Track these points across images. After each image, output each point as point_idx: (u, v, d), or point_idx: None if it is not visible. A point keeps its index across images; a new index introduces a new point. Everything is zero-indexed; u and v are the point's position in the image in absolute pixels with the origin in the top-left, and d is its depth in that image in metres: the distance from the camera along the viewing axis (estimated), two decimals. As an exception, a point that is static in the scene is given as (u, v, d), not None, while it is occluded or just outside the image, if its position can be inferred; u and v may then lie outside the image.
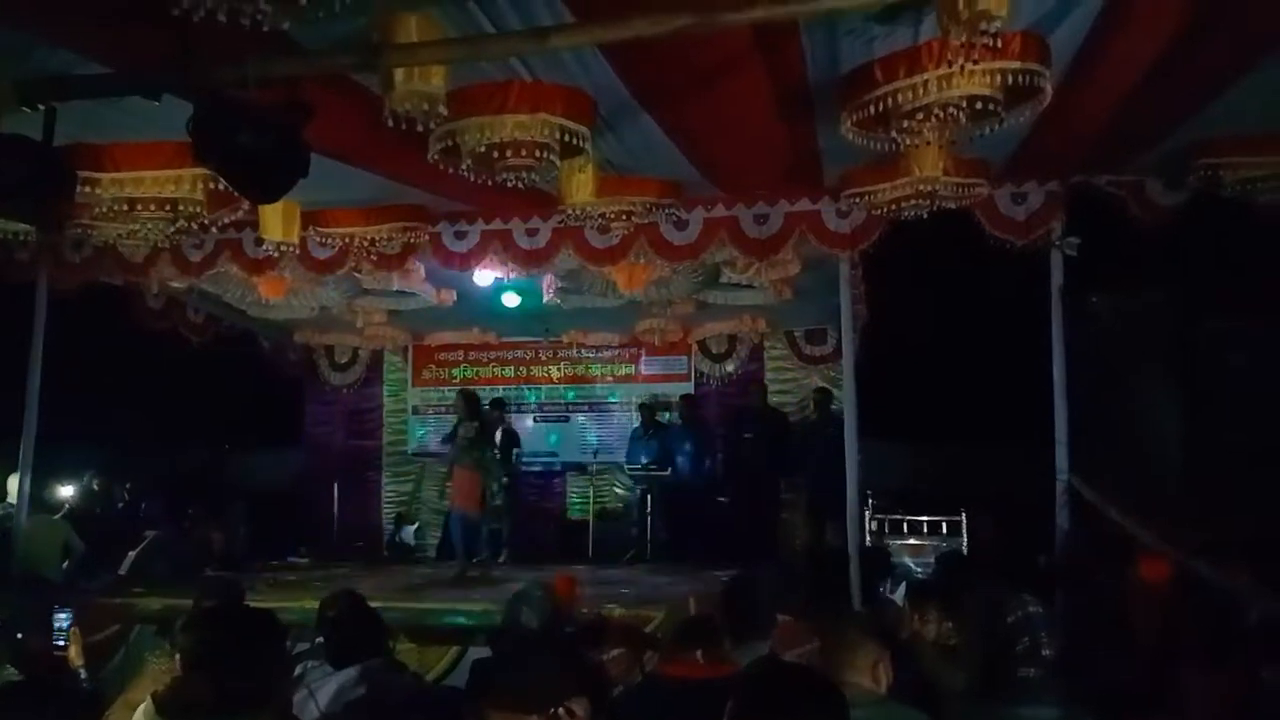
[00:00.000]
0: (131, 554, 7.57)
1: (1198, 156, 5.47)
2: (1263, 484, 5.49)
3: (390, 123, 3.73)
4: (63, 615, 5.74)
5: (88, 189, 4.75)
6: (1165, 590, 5.28)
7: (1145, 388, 6.14)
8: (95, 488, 8.74)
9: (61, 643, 4.44)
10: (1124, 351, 6.21)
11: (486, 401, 10.16)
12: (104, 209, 5.12)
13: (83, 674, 4.06)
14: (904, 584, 6.02)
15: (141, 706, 3.04)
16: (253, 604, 4.54)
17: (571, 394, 10.81)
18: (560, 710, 2.13)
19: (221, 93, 3.14)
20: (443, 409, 10.26)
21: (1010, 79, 3.92)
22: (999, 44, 3.58)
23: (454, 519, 8.40)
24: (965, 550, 7.94)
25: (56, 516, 7.78)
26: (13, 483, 7.22)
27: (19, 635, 4.02)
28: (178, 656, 3.10)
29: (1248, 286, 6.02)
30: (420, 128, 3.89)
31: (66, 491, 8.55)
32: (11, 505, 7.21)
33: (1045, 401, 6.37)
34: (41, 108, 3.46)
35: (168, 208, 5.03)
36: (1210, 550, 5.07)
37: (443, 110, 3.76)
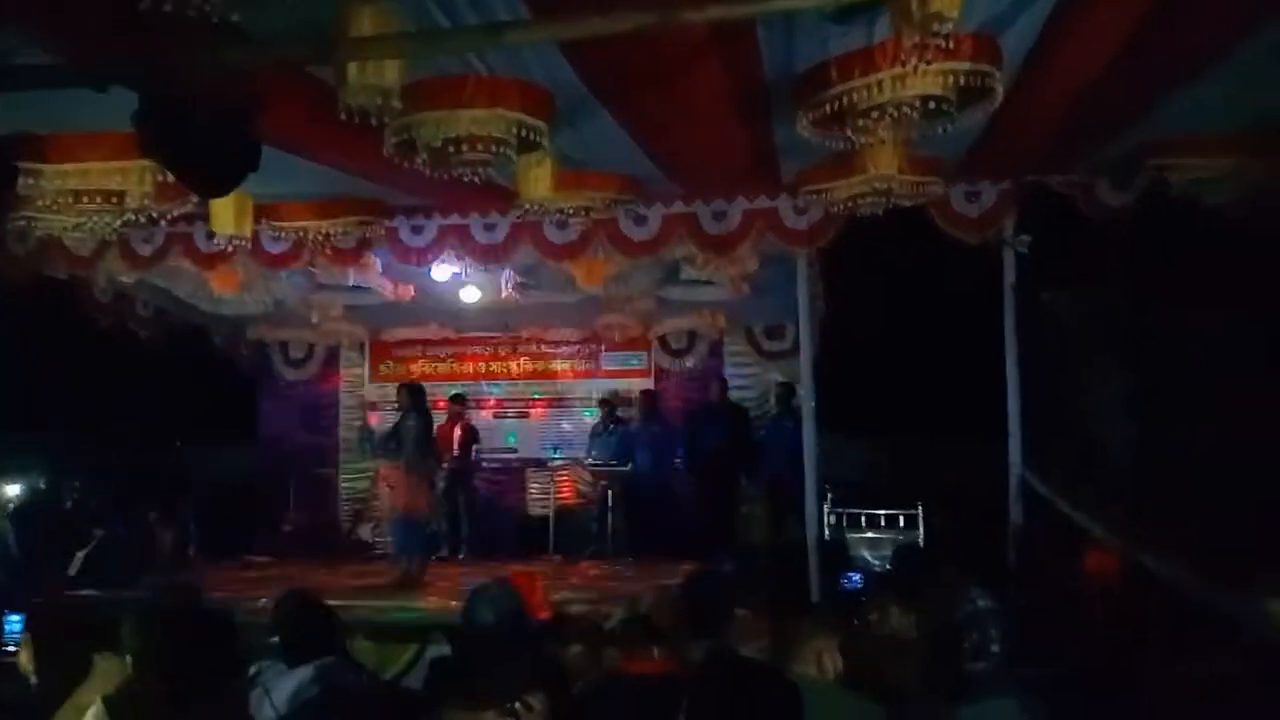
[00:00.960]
0: (80, 554, 7.42)
1: (1146, 158, 5.60)
2: (1214, 477, 5.62)
3: (344, 116, 3.68)
4: (14, 619, 5.60)
5: (30, 180, 4.64)
6: (1114, 583, 5.39)
7: (1097, 382, 6.26)
8: (43, 485, 8.54)
9: (11, 648, 4.33)
10: (1076, 346, 6.33)
11: (448, 396, 10.12)
12: (48, 201, 4.99)
13: (32, 679, 3.97)
14: (859, 575, 6.09)
15: (91, 709, 2.99)
16: (205, 603, 4.48)
17: (532, 390, 10.77)
18: (517, 705, 2.13)
19: (169, 85, 3.07)
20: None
21: (962, 79, 3.99)
22: (951, 45, 3.63)
23: (402, 521, 7.98)
24: (921, 543, 8.04)
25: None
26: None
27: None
28: (128, 657, 3.05)
29: (1198, 282, 6.15)
30: (374, 122, 3.84)
31: (12, 490, 8.34)
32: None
33: (1000, 395, 6.48)
34: (-18, 98, 3.36)
35: (114, 200, 4.92)
36: (1157, 543, 5.18)
37: (397, 104, 3.72)
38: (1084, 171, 6.13)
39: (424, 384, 8.66)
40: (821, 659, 2.65)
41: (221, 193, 4.25)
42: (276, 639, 3.62)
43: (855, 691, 2.69)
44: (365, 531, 10.52)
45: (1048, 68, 4.39)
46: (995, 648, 2.59)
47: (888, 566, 7.75)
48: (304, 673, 3.25)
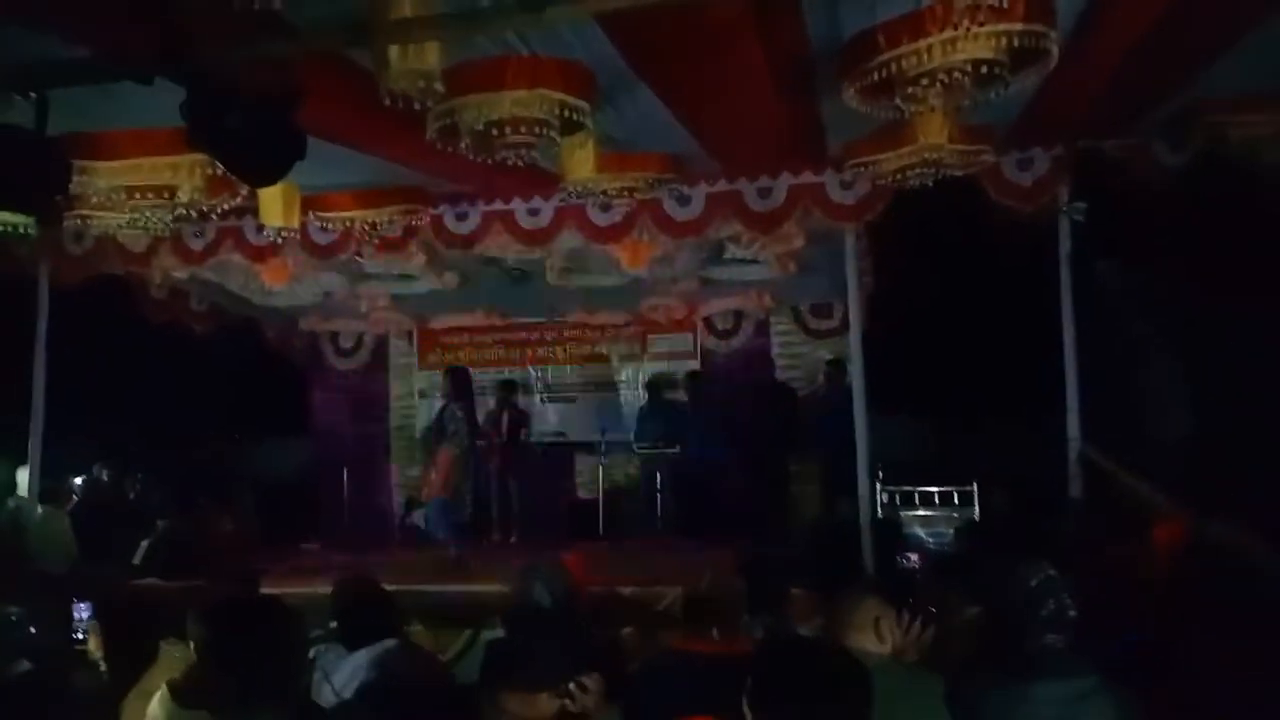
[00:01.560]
0: (144, 544, 7.59)
1: (1203, 115, 5.42)
2: (1273, 446, 5.45)
3: (386, 102, 3.68)
4: (83, 607, 5.76)
5: (84, 178, 4.72)
6: (1180, 555, 5.25)
7: (1155, 352, 6.10)
8: (105, 479, 8.75)
9: (81, 635, 4.45)
10: (1134, 316, 6.17)
11: (494, 384, 10.18)
12: (102, 198, 5.08)
13: (102, 665, 4.08)
14: (916, 555, 6.00)
15: (157, 695, 3.05)
16: (266, 591, 4.55)
17: (578, 374, 10.78)
18: (572, 686, 2.13)
19: (213, 75, 3.09)
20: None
21: (1015, 41, 3.83)
22: (1004, 5, 3.53)
23: (442, 505, 8.00)
24: (977, 520, 7.91)
25: (66, 509, 7.78)
26: (22, 476, 7.24)
27: (32, 630, 4.03)
28: (192, 645, 3.11)
29: (1255, 248, 5.95)
30: (417, 107, 3.83)
31: (75, 484, 8.56)
32: (23, 499, 7.22)
33: (1055, 369, 6.33)
34: (33, 96, 3.41)
35: (166, 195, 4.98)
36: (1224, 513, 5.04)
37: (439, 88, 3.71)
38: (1138, 133, 5.95)
39: (468, 369, 8.71)
40: (879, 627, 2.60)
41: (270, 182, 4.28)
42: (335, 624, 3.66)
43: (913, 664, 2.64)
44: (418, 518, 10.62)
45: (1101, 24, 4.24)
46: (1073, 613, 2.50)
47: (944, 545, 7.64)
48: (362, 656, 3.29)
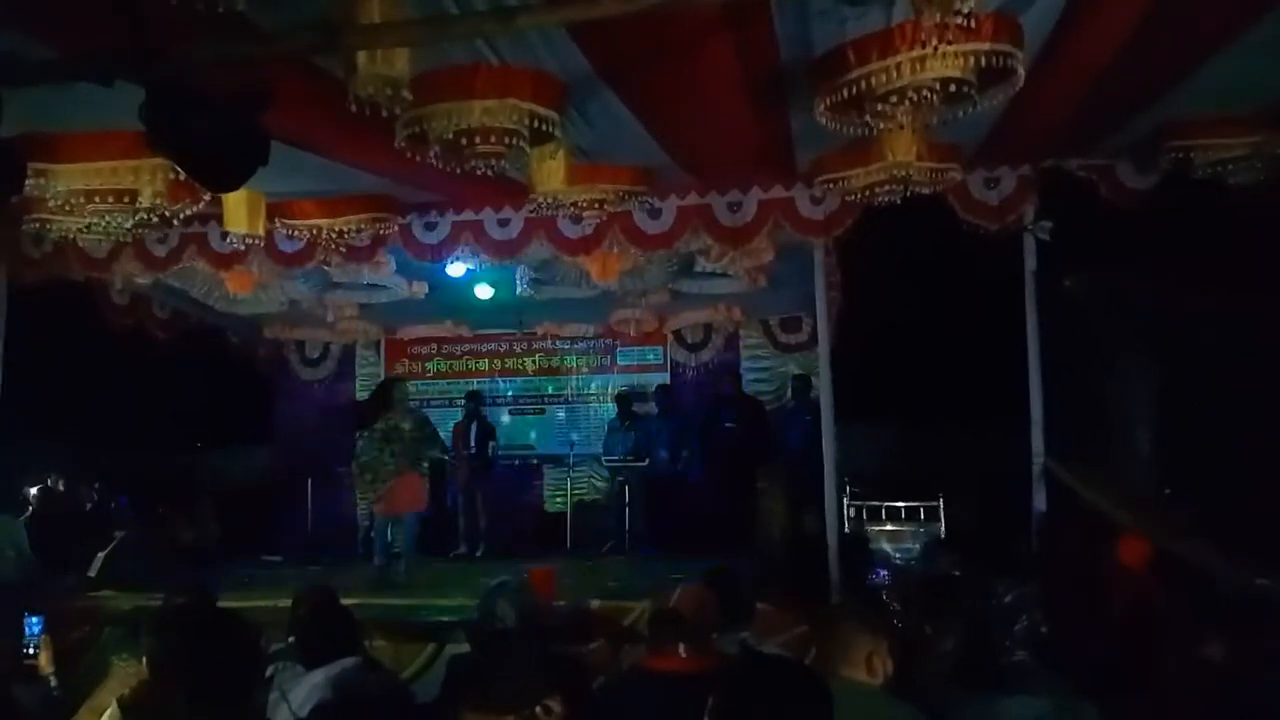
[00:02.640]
0: (100, 555, 7.43)
1: (1168, 138, 5.49)
2: (1237, 462, 5.52)
3: (354, 108, 3.63)
4: (34, 620, 5.62)
5: (42, 180, 4.62)
6: (1144, 571, 5.29)
7: (1120, 368, 6.17)
8: (61, 488, 8.56)
9: (31, 650, 4.33)
10: (1098, 332, 6.23)
11: (461, 395, 10.10)
12: (60, 202, 4.97)
13: (52, 681, 3.97)
14: (885, 572, 6.01)
15: (107, 712, 2.96)
16: (223, 604, 4.45)
17: (547, 386, 10.73)
18: (537, 709, 2.08)
19: (175, 78, 3.03)
20: (416, 402, 10.12)
21: (983, 61, 3.89)
22: (972, 25, 3.55)
23: (413, 521, 7.76)
24: (943, 535, 7.95)
25: (20, 518, 7.60)
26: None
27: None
28: (144, 659, 3.02)
29: (1221, 265, 6.04)
30: (385, 113, 3.79)
31: (30, 493, 8.36)
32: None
33: (1021, 384, 6.39)
34: (-12, 96, 3.32)
35: (126, 199, 4.89)
36: (1187, 530, 5.09)
37: (407, 95, 3.67)
38: (1104, 154, 6.03)
39: (402, 380, 8.65)
40: (871, 662, 2.58)
41: (231, 187, 4.21)
42: (293, 640, 3.58)
43: (901, 698, 2.62)
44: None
45: (1068, 46, 4.29)
46: (1044, 629, 2.50)
47: (911, 560, 7.67)
48: (320, 675, 3.21)
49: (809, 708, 1.79)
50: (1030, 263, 6.41)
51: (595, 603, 6.18)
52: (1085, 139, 5.85)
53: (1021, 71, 4.02)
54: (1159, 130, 5.49)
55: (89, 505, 8.78)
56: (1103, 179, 6.10)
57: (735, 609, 3.63)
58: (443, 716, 2.27)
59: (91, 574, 7.34)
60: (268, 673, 3.36)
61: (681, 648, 3.04)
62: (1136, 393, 5.99)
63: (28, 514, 7.75)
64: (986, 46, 3.83)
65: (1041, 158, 6.12)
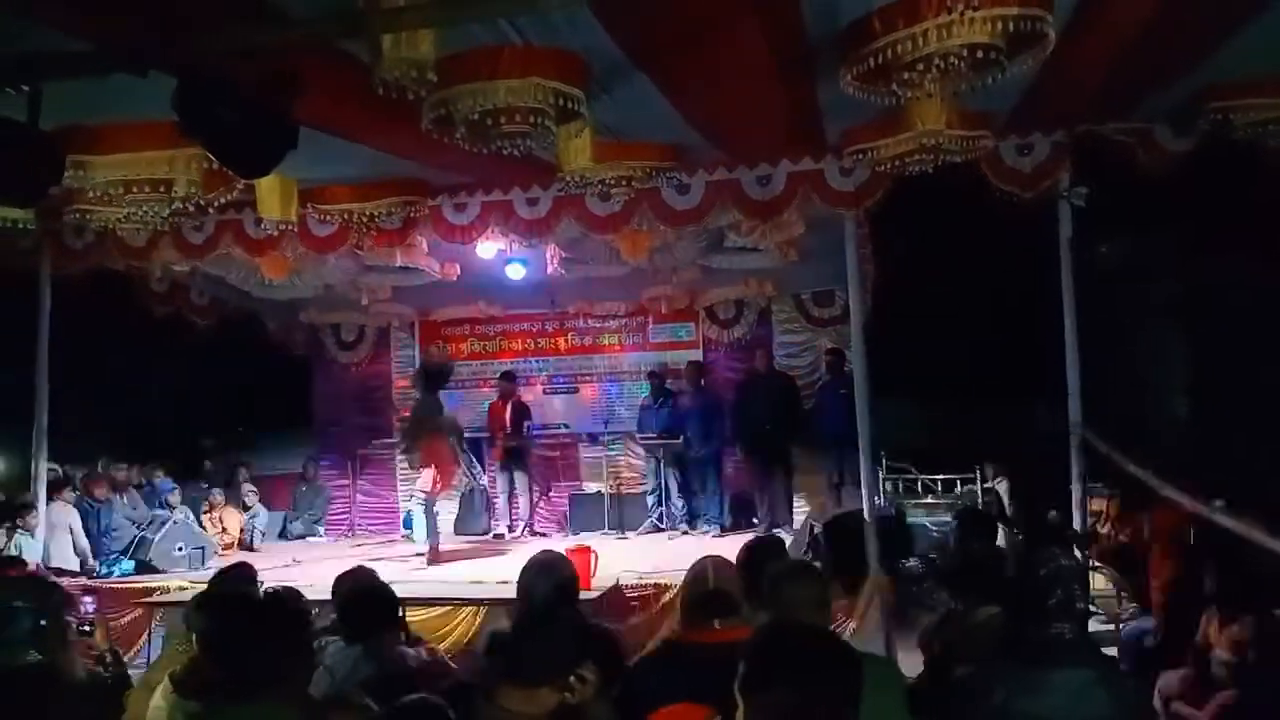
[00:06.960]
0: (152, 538, 7.63)
1: (1208, 100, 5.36)
2: (1269, 427, 5.44)
3: (380, 91, 3.66)
4: (88, 599, 5.80)
5: (80, 172, 4.71)
6: (1182, 539, 5.24)
7: (1154, 336, 6.08)
8: (111, 473, 8.76)
9: (87, 628, 4.47)
10: (1133, 300, 6.15)
11: (497, 374, 10.18)
12: (98, 193, 5.07)
13: (108, 658, 4.10)
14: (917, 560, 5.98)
15: (160, 687, 3.06)
16: (269, 584, 4.56)
17: (580, 364, 10.77)
18: (571, 679, 2.13)
19: (204, 66, 3.08)
20: (451, 385, 10.22)
21: (1011, 26, 3.79)
22: (1000, -13, 3.50)
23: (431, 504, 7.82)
24: (980, 506, 7.92)
25: (69, 504, 7.81)
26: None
27: (41, 622, 4.06)
28: (195, 638, 3.12)
29: (1255, 231, 5.92)
30: (411, 97, 3.81)
31: (79, 476, 8.58)
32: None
33: (1055, 354, 6.31)
34: (25, 89, 3.39)
35: (162, 189, 4.97)
36: (1224, 497, 5.03)
37: (432, 77, 3.68)
38: (1141, 118, 5.90)
39: (446, 362, 8.78)
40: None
41: (262, 173, 4.25)
42: (335, 617, 3.68)
43: (946, 670, 2.63)
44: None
45: (1100, 9, 4.20)
46: (1081, 605, 2.49)
47: (946, 532, 7.65)
48: (361, 650, 3.30)
49: (838, 674, 1.80)
50: (1065, 230, 6.30)
51: (632, 579, 6.25)
52: (1121, 103, 5.72)
53: (1052, 35, 3.93)
54: (1198, 92, 5.36)
55: (137, 489, 8.98)
56: (1140, 143, 5.97)
57: (773, 584, 3.63)
58: (481, 690, 2.32)
59: (143, 557, 7.54)
60: (317, 647, 3.45)
61: (716, 621, 3.07)
62: (1170, 359, 5.91)
63: (75, 499, 7.94)
64: (1015, 11, 3.75)
65: (1076, 123, 6.00)
